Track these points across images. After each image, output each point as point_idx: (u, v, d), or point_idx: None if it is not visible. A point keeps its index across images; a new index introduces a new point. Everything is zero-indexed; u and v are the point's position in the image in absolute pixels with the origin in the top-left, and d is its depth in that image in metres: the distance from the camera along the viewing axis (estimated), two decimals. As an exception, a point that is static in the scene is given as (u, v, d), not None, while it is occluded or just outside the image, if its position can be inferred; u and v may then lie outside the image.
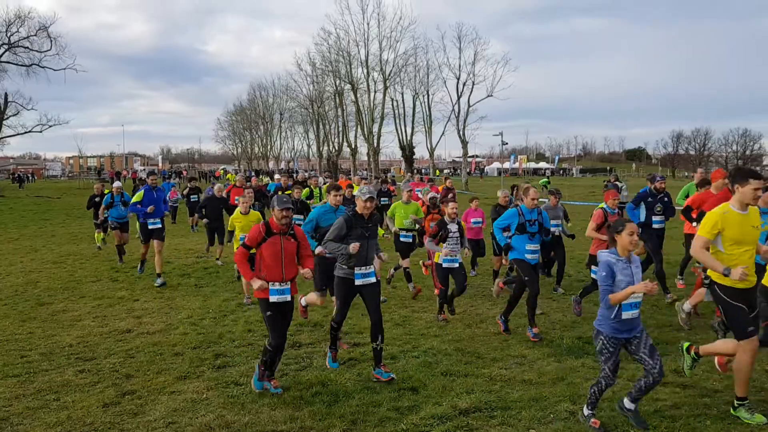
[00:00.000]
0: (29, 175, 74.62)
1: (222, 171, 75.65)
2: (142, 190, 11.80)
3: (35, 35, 47.47)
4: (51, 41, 47.77)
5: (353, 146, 59.86)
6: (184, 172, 76.74)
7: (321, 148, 68.41)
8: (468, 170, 59.66)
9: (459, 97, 51.63)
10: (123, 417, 5.43)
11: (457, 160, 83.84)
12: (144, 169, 78.79)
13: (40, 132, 50.61)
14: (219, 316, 8.96)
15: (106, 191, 15.24)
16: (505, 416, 5.31)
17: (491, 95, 50.18)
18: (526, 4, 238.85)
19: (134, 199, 11.85)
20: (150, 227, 11.69)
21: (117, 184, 13.92)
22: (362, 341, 7.61)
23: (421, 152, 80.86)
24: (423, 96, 54.32)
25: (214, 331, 8.17)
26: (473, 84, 50.86)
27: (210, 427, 5.17)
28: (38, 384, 6.27)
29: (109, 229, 14.93)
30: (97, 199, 15.46)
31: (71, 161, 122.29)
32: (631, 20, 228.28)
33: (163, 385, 6.18)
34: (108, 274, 12.58)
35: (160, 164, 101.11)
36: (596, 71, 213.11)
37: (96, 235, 16.19)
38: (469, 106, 51.53)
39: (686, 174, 69.13)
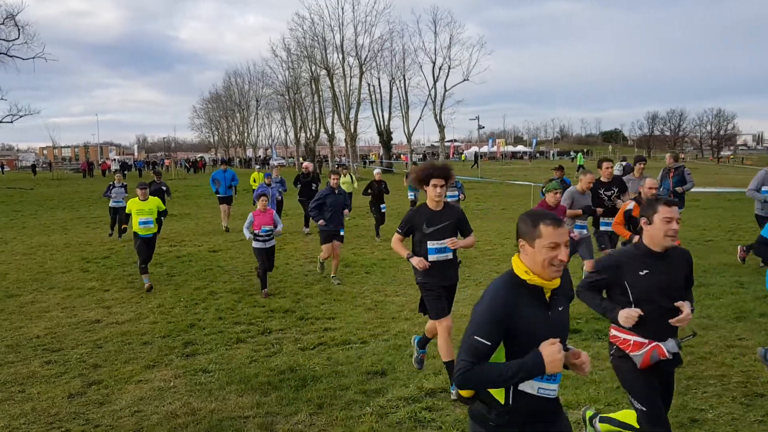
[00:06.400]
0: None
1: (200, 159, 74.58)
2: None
3: (2, 24, 46.30)
4: (19, 30, 46.64)
5: (330, 132, 59.58)
6: (167, 162, 75.54)
7: (298, 135, 67.93)
8: (447, 154, 59.74)
9: (435, 82, 51.51)
10: (88, 407, 5.40)
11: (435, 144, 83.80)
12: (116, 159, 77.26)
13: (11, 122, 49.64)
14: (190, 305, 8.91)
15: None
16: (471, 396, 5.37)
17: (467, 79, 50.17)
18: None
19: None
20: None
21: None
22: (333, 326, 7.64)
23: (399, 137, 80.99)
24: (399, 81, 54.18)
25: (184, 319, 8.13)
26: (449, 68, 50.76)
27: (176, 415, 5.17)
28: (3, 376, 6.20)
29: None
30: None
31: (45, 152, 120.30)
32: (606, 3, 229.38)
33: (131, 374, 6.15)
34: (78, 265, 12.43)
35: (136, 153, 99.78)
36: (572, 54, 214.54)
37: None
38: (445, 90, 51.43)
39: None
